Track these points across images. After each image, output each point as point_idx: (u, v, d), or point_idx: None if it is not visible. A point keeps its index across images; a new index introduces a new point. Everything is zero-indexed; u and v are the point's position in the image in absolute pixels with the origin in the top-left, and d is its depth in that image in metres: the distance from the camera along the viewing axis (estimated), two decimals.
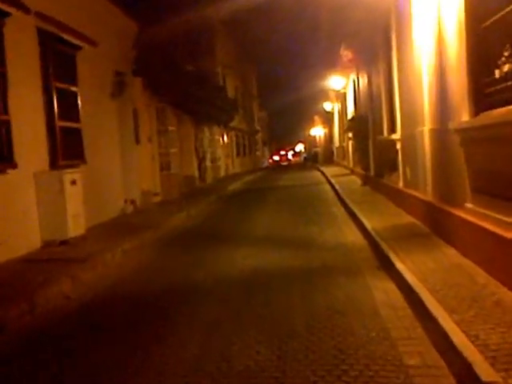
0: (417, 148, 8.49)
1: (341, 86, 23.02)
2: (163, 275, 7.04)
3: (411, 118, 9.37)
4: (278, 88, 67.75)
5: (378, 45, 12.63)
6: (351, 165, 24.08)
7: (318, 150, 61.08)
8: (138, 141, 14.10)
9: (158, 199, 15.60)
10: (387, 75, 11.89)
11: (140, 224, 11.18)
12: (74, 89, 10.19)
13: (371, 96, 14.93)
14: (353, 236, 8.82)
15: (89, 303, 5.93)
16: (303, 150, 79.49)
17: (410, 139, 9.54)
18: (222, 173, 29.68)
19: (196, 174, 22.02)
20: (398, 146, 10.53)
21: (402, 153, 10.35)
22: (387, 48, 11.31)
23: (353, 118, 17.75)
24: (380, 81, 12.48)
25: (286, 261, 7.31)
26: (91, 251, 7.93)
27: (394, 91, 10.61)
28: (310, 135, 67.55)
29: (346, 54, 20.19)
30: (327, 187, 19.63)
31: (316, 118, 59.56)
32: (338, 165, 33.06)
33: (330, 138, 46.72)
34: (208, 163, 24.41)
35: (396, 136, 10.57)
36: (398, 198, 10.53)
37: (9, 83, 7.87)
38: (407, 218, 9.01)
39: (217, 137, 28.08)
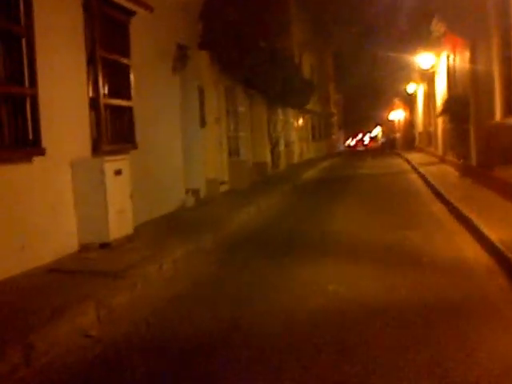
0: None
1: (429, 64, 20.46)
2: (213, 307, 5.15)
3: None
4: (355, 69, 64.76)
5: (489, 14, 10.33)
6: (440, 152, 21.56)
7: (397, 134, 58.01)
8: (203, 123, 12.43)
9: (225, 189, 13.95)
10: (505, 46, 9.64)
11: (200, 221, 9.53)
12: (125, 61, 8.57)
13: (475, 74, 12.58)
14: (471, 250, 6.76)
15: (117, 346, 4.26)
16: (381, 135, 76.07)
17: None
18: (296, 158, 27.76)
19: (268, 159, 20.24)
20: None
21: None
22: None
23: (448, 100, 15.36)
24: (492, 54, 10.18)
25: (388, 290, 5.39)
26: (133, 260, 6.31)
27: None
28: (388, 119, 64.31)
29: (438, 28, 17.74)
30: (416, 177, 17.36)
31: (396, 100, 56.40)
32: (421, 151, 30.38)
33: (411, 122, 43.74)
34: (281, 148, 22.58)
35: None
36: None
37: (37, 50, 6.31)
38: None
39: (291, 119, 26.17)
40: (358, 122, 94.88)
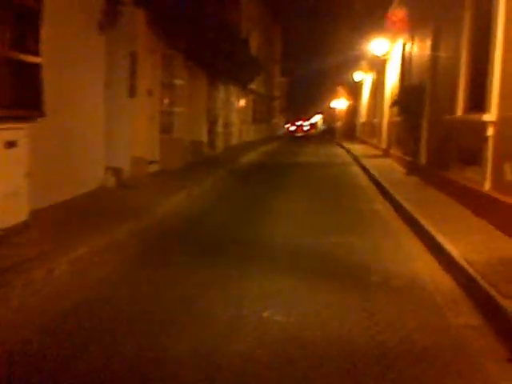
0: None
1: (383, 51, 19.58)
2: (105, 347, 3.75)
3: None
4: (302, 54, 64.01)
5: None
6: (384, 145, 20.84)
7: (339, 123, 57.65)
8: (132, 93, 10.95)
9: (154, 169, 12.54)
10: (475, 32, 8.69)
11: (119, 207, 8.16)
12: (34, 4, 7.01)
13: (436, 64, 11.66)
14: (427, 266, 5.72)
15: None
16: (321, 122, 75.78)
17: None
18: (235, 140, 26.50)
19: (205, 139, 18.87)
20: (490, 131, 7.37)
21: (498, 142, 7.21)
22: None
23: (402, 91, 14.45)
24: (461, 41, 9.20)
25: (335, 320, 4.25)
26: (18, 258, 4.92)
27: (492, 51, 7.38)
28: (330, 107, 63.88)
29: (397, 11, 16.84)
30: (358, 170, 16.47)
31: (340, 88, 55.86)
32: (363, 142, 29.76)
33: (354, 111, 43.24)
34: (220, 128, 21.23)
35: (488, 117, 7.38)
36: (481, 205, 7.42)
37: None
38: (510, 246, 5.89)
39: (233, 98, 24.83)
40: (299, 107, 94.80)
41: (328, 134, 51.28)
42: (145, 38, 11.65)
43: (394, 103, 14.45)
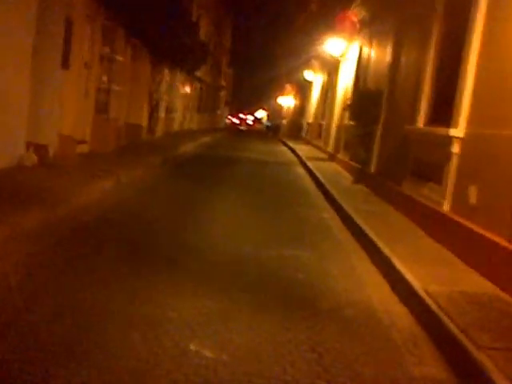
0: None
1: (339, 51, 18.99)
2: None
3: (499, 109, 5.68)
4: (253, 48, 63.31)
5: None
6: (331, 149, 20.30)
7: (284, 121, 57.21)
8: (66, 64, 9.79)
9: (83, 150, 11.38)
10: (444, 36, 8.07)
11: (33, 190, 7.05)
12: None
13: (395, 67, 11.06)
14: (381, 292, 4.97)
15: None
16: (265, 118, 75.25)
17: (491, 143, 5.85)
18: (177, 127, 25.40)
19: (144, 123, 17.74)
20: (455, 148, 6.72)
21: (463, 161, 6.57)
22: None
23: (357, 95, 13.83)
24: (427, 45, 8.54)
25: (277, 359, 3.42)
26: None
27: (465, 58, 6.73)
28: (277, 103, 63.40)
29: (356, 11, 16.26)
30: (303, 172, 15.78)
31: (288, 86, 55.37)
32: (308, 143, 29.24)
33: (300, 110, 42.78)
34: (162, 113, 20.11)
35: (455, 132, 6.73)
36: (438, 226, 6.77)
37: None
38: (472, 277, 5.22)
39: (178, 84, 23.71)
40: (244, 101, 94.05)
41: (272, 131, 50.61)
42: (83, 3, 10.50)
43: (347, 107, 13.80)
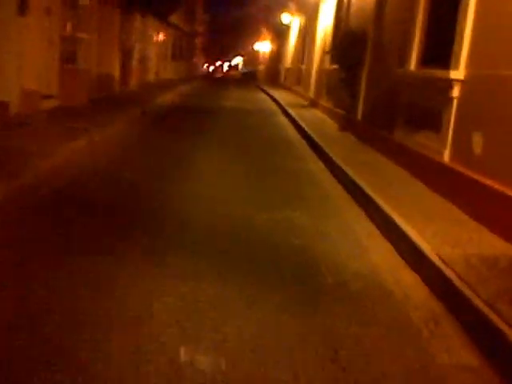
0: None
1: None
2: None
3: (506, 47, 5.10)
4: None
5: None
6: (312, 95, 19.58)
7: (261, 67, 55.86)
8: (22, 9, 8.89)
9: (51, 105, 10.58)
10: None
11: None
12: None
13: (381, 6, 10.31)
14: (387, 258, 4.45)
15: None
16: (242, 65, 73.48)
17: (497, 85, 5.28)
18: (152, 77, 24.37)
19: (117, 73, 16.80)
20: (455, 92, 6.14)
21: (464, 105, 6.00)
22: None
23: (339, 37, 13.02)
24: None
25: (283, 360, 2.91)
26: None
27: (465, 5, 6.07)
28: (253, 50, 61.80)
29: None
30: (286, 122, 15.10)
31: (264, 31, 53.77)
32: (287, 89, 28.39)
33: (277, 56, 41.61)
34: (135, 62, 19.11)
35: (455, 75, 6.13)
36: (439, 179, 6.26)
37: None
38: (485, 236, 4.71)
39: (151, 31, 22.58)
40: (221, 47, 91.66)
41: (250, 78, 49.44)
42: None
43: (329, 49, 13.03)
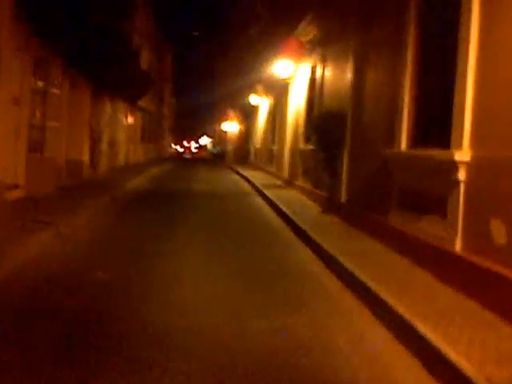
0: None
1: (287, 73, 18.08)
2: None
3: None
4: (194, 75, 62.38)
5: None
6: (286, 174, 19.29)
7: (229, 147, 56.17)
8: None
9: (16, 195, 9.89)
10: (424, 46, 7.14)
11: None
12: None
13: (359, 86, 10.14)
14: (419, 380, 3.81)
15: None
16: (211, 145, 73.95)
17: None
18: (122, 160, 23.93)
19: (86, 158, 16.26)
20: (462, 175, 5.69)
21: (476, 190, 5.54)
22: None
23: (316, 118, 12.80)
24: (402, 58, 7.60)
25: None
26: None
27: (461, 66, 5.75)
28: (221, 130, 62.40)
29: (305, 32, 15.37)
30: (262, 203, 14.63)
31: (231, 111, 54.49)
32: (258, 169, 28.20)
33: (246, 136, 41.87)
34: (104, 147, 18.66)
35: (460, 156, 5.70)
36: (453, 272, 5.63)
37: None
38: None
39: (120, 115, 22.33)
40: (188, 128, 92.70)
41: (219, 158, 49.49)
42: (10, 32, 9.14)
43: (306, 132, 12.76)
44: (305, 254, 8.09)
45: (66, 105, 13.51)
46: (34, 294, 5.26)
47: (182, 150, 78.65)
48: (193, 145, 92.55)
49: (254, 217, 12.08)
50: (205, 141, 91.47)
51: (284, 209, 12.14)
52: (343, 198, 10.82)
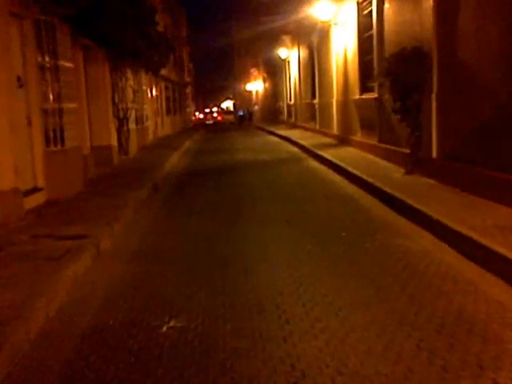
0: None
1: (329, 15, 15.70)
2: None
3: None
4: (210, 36, 59.70)
5: None
6: (336, 131, 17.11)
7: (256, 107, 53.81)
8: None
9: (37, 201, 8.02)
10: None
11: None
12: None
13: (447, 16, 7.89)
14: None
15: None
16: (236, 108, 71.20)
17: None
18: (151, 137, 21.99)
19: (114, 142, 14.35)
20: None
21: None
22: None
23: (392, 58, 10.28)
24: None
25: None
26: None
27: None
28: (245, 90, 59.94)
29: None
30: (323, 169, 12.52)
31: (254, 71, 51.91)
32: (296, 127, 26.03)
33: (273, 93, 39.45)
34: (132, 125, 16.69)
35: None
36: None
37: None
38: None
39: (144, 87, 20.29)
40: (209, 93, 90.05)
41: (248, 120, 47.16)
42: None
43: (379, 74, 10.45)
44: (423, 240, 5.98)
45: (83, 81, 11.53)
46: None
47: (202, 116, 75.31)
48: (215, 110, 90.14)
49: (322, 188, 9.94)
50: (227, 104, 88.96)
51: (355, 172, 10.09)
52: (434, 153, 8.68)
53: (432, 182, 8.50)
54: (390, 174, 9.61)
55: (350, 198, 8.81)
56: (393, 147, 10.85)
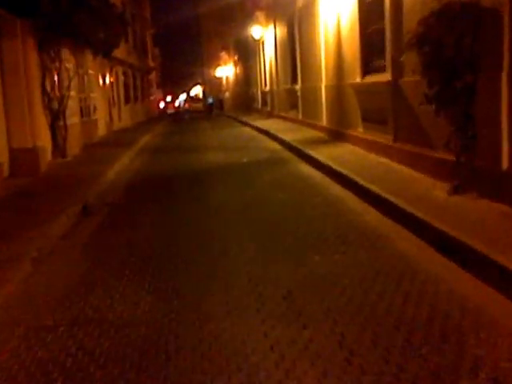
0: None
1: None
2: None
3: None
4: (176, 16, 55.94)
5: None
6: (325, 122, 14.11)
7: (226, 94, 50.56)
8: None
9: None
10: None
11: None
12: None
13: None
14: None
15: None
16: (205, 95, 67.37)
17: None
18: (102, 131, 18.62)
19: (46, 142, 11.05)
20: None
21: None
22: None
23: (435, 16, 7.04)
24: None
25: None
26: None
27: None
28: (215, 76, 56.53)
29: None
30: (319, 177, 9.49)
31: (224, 54, 48.49)
32: (274, 117, 22.94)
33: (246, 78, 36.23)
34: (74, 119, 13.34)
35: None
36: None
37: None
38: None
39: (92, 71, 16.88)
40: (178, 80, 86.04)
41: (218, 109, 43.71)
42: None
43: (408, 46, 7.30)
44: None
45: None
46: None
47: (162, 105, 70.79)
48: (181, 98, 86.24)
49: (327, 216, 6.85)
50: (196, 91, 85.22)
51: (376, 189, 7.06)
52: (505, 162, 5.72)
53: (503, 207, 5.54)
54: (429, 193, 6.62)
55: (376, 236, 5.72)
56: (418, 149, 7.89)
